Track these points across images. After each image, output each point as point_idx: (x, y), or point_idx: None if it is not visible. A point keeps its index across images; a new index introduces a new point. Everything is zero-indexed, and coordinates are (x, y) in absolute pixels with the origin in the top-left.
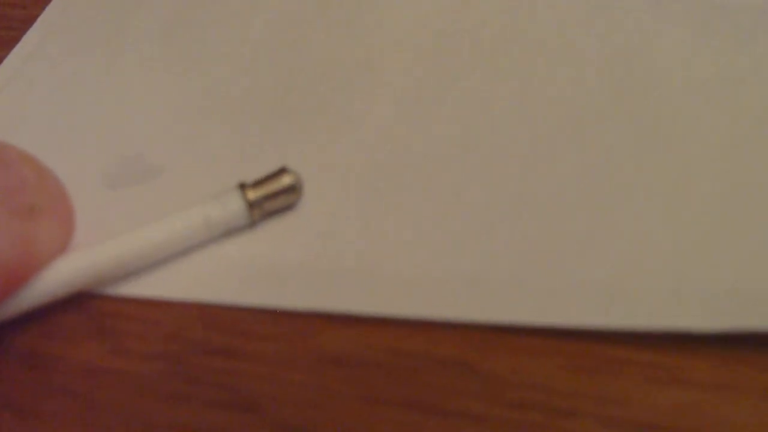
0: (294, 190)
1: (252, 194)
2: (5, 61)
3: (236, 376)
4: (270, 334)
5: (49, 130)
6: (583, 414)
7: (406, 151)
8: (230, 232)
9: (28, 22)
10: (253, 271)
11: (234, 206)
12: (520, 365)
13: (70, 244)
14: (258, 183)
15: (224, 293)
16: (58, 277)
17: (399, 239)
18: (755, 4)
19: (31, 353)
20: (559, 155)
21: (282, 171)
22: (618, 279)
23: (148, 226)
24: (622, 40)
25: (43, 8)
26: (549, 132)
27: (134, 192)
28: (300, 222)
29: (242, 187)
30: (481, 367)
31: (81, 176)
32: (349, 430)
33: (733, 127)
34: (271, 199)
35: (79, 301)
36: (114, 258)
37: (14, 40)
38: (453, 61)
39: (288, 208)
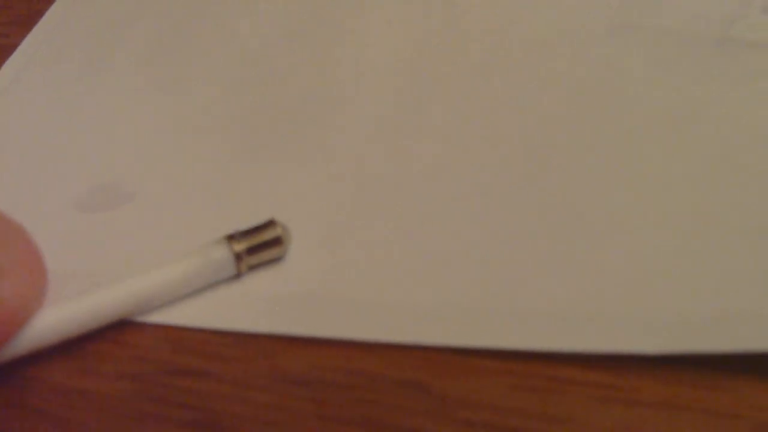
0: (281, 242)
1: (238, 246)
2: None
3: (201, 395)
4: (233, 355)
5: (27, 156)
6: None
7: (377, 182)
8: (215, 284)
9: (10, 50)
10: (224, 298)
11: (220, 259)
12: (472, 385)
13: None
14: (245, 234)
15: (195, 318)
16: (33, 334)
17: (362, 266)
18: (711, 34)
19: (5, 374)
20: (521, 186)
21: (270, 223)
22: (570, 305)
23: (131, 280)
24: (585, 72)
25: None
26: (511, 163)
27: (106, 217)
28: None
29: (229, 238)
30: (434, 388)
31: (54, 201)
32: None
33: (690, 156)
34: (258, 252)
35: None
36: (92, 313)
37: None
38: (423, 92)
39: (275, 260)
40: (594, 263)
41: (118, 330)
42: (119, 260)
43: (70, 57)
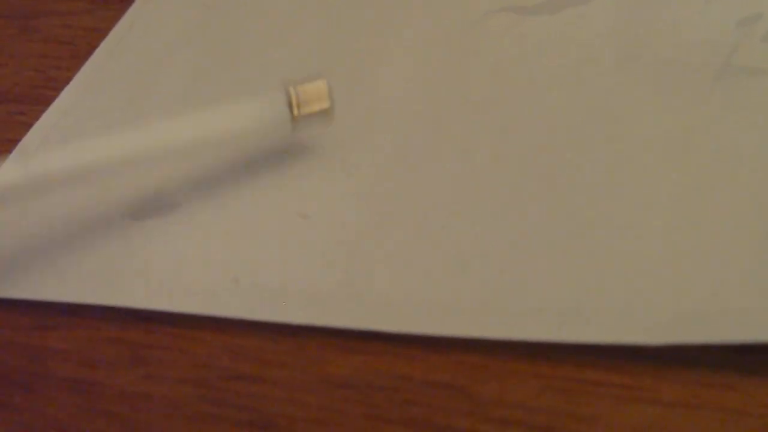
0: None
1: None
2: (42, 118)
3: (256, 398)
4: (287, 361)
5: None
6: (558, 429)
7: (397, 195)
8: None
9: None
10: (255, 289)
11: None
12: (505, 387)
13: None
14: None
15: (231, 309)
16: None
17: (386, 265)
18: (713, 63)
19: (76, 380)
20: (529, 197)
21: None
22: (576, 300)
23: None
24: (591, 101)
25: None
26: (520, 179)
27: (154, 223)
28: (297, 247)
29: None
30: (471, 390)
31: (109, 209)
32: None
33: (688, 174)
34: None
35: (118, 335)
36: (145, 144)
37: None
38: (439, 118)
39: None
40: (599, 262)
41: (180, 340)
42: (170, 260)
43: (117, 90)
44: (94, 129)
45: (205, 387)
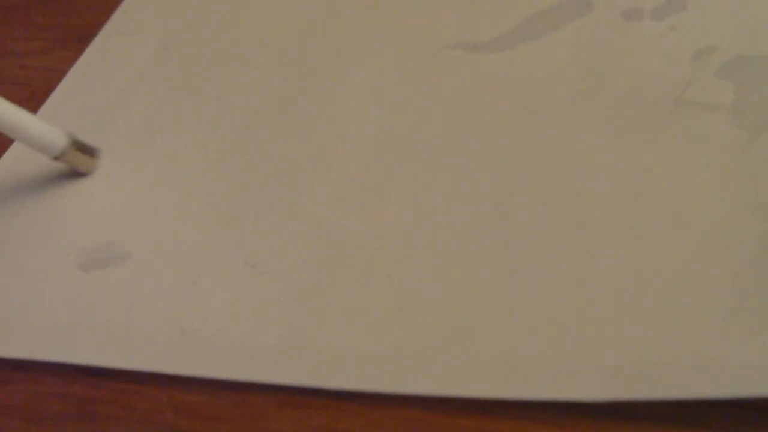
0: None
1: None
2: (3, 158)
3: None
4: (228, 417)
5: (33, 220)
6: None
7: (344, 239)
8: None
9: None
10: (201, 342)
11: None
12: None
13: None
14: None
15: (176, 365)
16: None
17: (330, 317)
18: (667, 97)
19: None
20: (478, 242)
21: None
22: (521, 354)
23: None
24: (547, 137)
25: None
26: (470, 221)
27: (104, 274)
28: (244, 298)
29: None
30: None
31: (59, 261)
32: None
33: (636, 213)
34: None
35: (65, 390)
36: None
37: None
38: (392, 157)
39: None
40: (542, 315)
41: (125, 395)
42: (119, 312)
43: (75, 129)
44: (54, 169)
45: None
